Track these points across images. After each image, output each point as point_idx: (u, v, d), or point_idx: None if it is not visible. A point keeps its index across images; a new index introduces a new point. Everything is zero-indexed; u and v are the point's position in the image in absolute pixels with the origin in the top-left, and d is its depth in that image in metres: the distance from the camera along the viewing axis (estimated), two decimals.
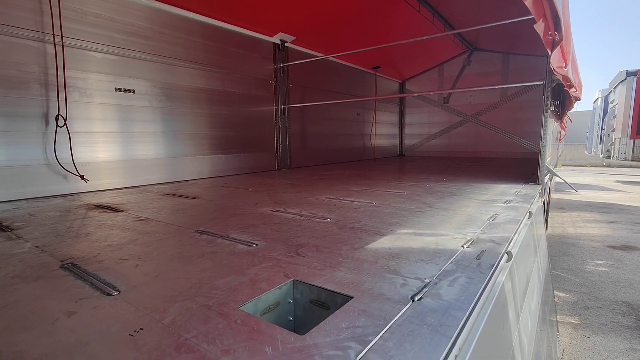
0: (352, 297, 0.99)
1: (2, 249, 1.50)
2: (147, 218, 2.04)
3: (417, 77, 8.38)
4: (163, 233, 1.72)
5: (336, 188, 3.15)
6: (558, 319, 3.88)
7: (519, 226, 1.80)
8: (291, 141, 5.38)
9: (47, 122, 2.87)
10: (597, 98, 17.45)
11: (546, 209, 5.87)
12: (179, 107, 3.88)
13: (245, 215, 2.07)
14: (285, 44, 5.16)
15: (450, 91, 5.15)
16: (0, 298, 1.03)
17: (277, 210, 2.20)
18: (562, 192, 13.04)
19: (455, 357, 0.79)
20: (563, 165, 24.57)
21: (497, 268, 1.28)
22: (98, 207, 2.42)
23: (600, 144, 15.46)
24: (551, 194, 6.33)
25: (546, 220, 4.60)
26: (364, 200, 2.54)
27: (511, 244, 1.58)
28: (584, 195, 11.88)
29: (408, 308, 0.93)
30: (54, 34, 2.84)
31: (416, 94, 8.23)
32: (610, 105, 13.92)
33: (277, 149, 5.20)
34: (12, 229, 1.82)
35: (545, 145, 3.12)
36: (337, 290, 1.04)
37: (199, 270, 1.23)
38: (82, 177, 3.02)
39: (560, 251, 6.28)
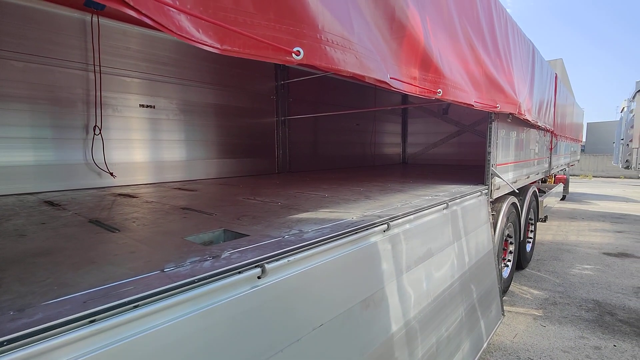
0: (248, 235, 1.66)
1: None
2: (152, 201, 2.80)
3: None
4: (159, 210, 2.45)
5: (310, 186, 3.81)
6: (522, 311, 4.28)
7: (415, 210, 2.37)
8: (290, 148, 6.11)
9: (87, 131, 3.76)
10: (624, 107, 16.95)
11: (536, 215, 6.14)
12: (191, 119, 4.71)
13: (223, 201, 2.79)
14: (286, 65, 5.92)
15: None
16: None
17: (247, 198, 2.90)
18: (581, 202, 12.91)
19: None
20: (594, 176, 23.65)
21: (365, 230, 1.89)
22: (120, 195, 3.23)
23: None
24: (544, 202, 6.58)
25: (527, 225, 4.83)
26: (320, 193, 3.18)
27: (398, 220, 2.17)
28: (603, 206, 11.78)
29: (278, 240, 1.58)
30: (94, 64, 3.74)
31: (406, 106, 8.74)
32: (629, 115, 13.63)
33: (277, 155, 5.94)
34: (60, 206, 2.63)
35: (490, 152, 3.65)
36: (242, 232, 1.71)
37: (171, 221, 1.94)
38: (111, 174, 3.88)
39: (552, 256, 6.51)
